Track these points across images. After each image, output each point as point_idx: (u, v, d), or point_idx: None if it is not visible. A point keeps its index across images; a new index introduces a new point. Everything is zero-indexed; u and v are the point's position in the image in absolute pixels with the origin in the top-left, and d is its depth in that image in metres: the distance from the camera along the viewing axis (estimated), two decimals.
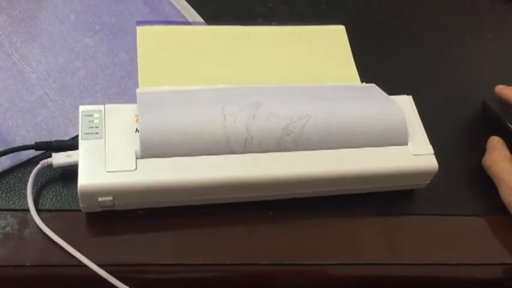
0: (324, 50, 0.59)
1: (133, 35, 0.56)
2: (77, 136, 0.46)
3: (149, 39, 0.54)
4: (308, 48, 0.58)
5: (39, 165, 0.46)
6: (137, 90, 0.48)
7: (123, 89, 0.53)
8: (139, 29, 0.54)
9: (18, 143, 0.48)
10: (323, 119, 0.47)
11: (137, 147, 0.44)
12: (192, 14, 0.59)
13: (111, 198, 0.44)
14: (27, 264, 0.43)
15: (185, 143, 0.45)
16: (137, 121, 0.46)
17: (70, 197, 0.46)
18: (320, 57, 0.58)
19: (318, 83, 0.53)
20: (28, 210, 0.45)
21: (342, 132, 0.47)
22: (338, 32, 0.60)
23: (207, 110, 0.46)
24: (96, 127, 0.45)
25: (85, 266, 0.43)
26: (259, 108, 0.46)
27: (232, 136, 0.45)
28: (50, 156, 0.46)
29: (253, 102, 0.47)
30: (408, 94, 0.53)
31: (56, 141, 0.47)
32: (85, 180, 0.43)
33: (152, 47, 0.54)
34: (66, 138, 0.49)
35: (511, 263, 0.49)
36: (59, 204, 0.46)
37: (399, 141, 0.49)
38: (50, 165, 0.46)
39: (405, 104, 0.52)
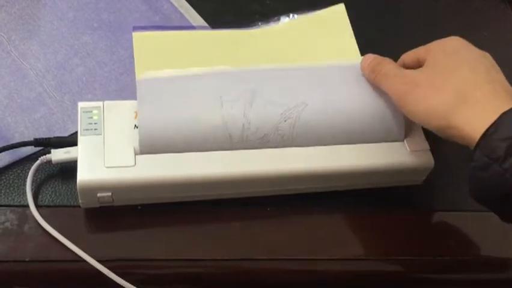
0: (325, 31, 0.58)
1: (131, 32, 0.57)
2: (76, 132, 0.46)
3: (145, 45, 0.54)
4: (309, 33, 0.58)
5: (38, 162, 0.46)
6: (137, 79, 0.48)
7: (122, 85, 0.53)
8: (135, 35, 0.54)
9: (18, 139, 0.48)
10: (320, 107, 0.47)
11: (136, 143, 0.45)
12: (189, 11, 0.60)
13: (110, 193, 0.44)
14: (27, 259, 0.43)
15: (184, 136, 0.45)
16: (136, 117, 0.46)
17: (69, 193, 0.47)
18: (321, 38, 0.57)
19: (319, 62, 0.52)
20: (27, 206, 0.45)
21: (339, 120, 0.48)
22: (338, 12, 0.59)
23: (205, 100, 0.46)
24: (95, 123, 0.46)
25: (84, 261, 0.43)
26: (256, 96, 0.46)
27: (230, 121, 0.45)
28: (49, 152, 0.46)
29: (250, 89, 0.47)
30: None
31: (55, 137, 0.48)
32: (84, 176, 0.43)
33: (148, 53, 0.53)
34: (65, 134, 0.49)
35: (506, 258, 0.50)
36: (58, 200, 0.46)
37: (395, 138, 0.49)
38: (49, 162, 0.46)
39: None
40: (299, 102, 0.47)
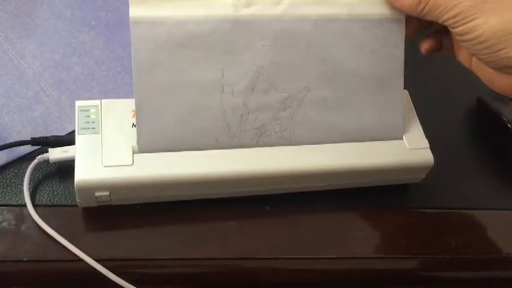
0: None
1: (129, 30, 0.56)
2: (73, 131, 0.46)
3: None
4: None
5: (35, 161, 0.46)
6: (131, 19, 0.44)
7: (119, 84, 0.53)
8: None
9: (15, 138, 0.48)
10: (321, 94, 0.47)
11: (134, 142, 0.44)
12: None
13: (108, 193, 0.44)
14: (25, 259, 0.43)
15: (183, 132, 0.45)
16: (133, 116, 0.46)
17: (66, 192, 0.46)
18: None
19: None
20: (25, 205, 0.45)
21: (338, 112, 0.47)
22: None
23: (205, 82, 0.44)
24: (93, 122, 0.46)
25: (82, 260, 0.43)
26: (259, 77, 0.45)
27: (229, 111, 0.45)
28: (47, 151, 0.46)
29: (254, 68, 0.45)
30: (404, 89, 0.53)
31: (52, 136, 0.47)
32: (81, 175, 0.43)
33: None
34: (62, 133, 0.49)
35: (506, 256, 0.50)
36: (55, 199, 0.46)
37: (394, 135, 0.49)
38: (47, 161, 0.46)
39: None
40: (302, 88, 0.46)
